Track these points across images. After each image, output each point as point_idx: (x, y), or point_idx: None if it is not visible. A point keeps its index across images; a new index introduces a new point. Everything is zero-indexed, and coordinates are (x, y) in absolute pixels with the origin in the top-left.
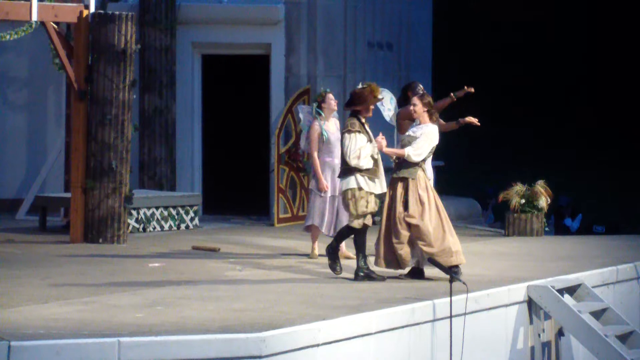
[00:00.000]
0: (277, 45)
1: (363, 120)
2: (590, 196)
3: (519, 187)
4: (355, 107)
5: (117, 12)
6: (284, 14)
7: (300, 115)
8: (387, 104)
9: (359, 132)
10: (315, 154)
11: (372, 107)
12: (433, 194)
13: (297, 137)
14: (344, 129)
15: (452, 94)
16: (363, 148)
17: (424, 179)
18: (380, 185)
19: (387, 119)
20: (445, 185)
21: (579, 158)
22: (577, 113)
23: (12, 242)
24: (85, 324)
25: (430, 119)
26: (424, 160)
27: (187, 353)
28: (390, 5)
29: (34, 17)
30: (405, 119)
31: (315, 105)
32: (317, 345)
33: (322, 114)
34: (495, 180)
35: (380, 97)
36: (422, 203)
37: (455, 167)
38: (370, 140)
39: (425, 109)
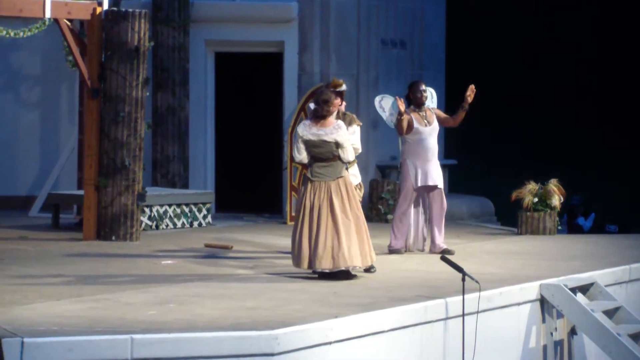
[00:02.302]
0: (290, 43)
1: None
2: (603, 195)
3: (531, 186)
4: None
5: (130, 10)
6: (297, 12)
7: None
8: (387, 106)
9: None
10: None
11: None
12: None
13: None
14: None
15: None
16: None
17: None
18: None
19: (391, 125)
20: (458, 184)
21: (591, 157)
22: (591, 112)
23: (25, 239)
24: (98, 321)
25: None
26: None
27: (200, 350)
28: (403, 3)
29: (48, 14)
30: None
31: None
32: (330, 343)
33: None
34: (513, 180)
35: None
36: None
37: (468, 165)
38: None
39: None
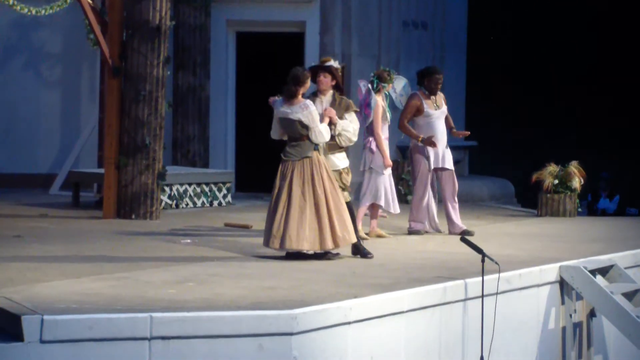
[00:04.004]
0: (312, 24)
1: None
2: (624, 178)
3: (552, 168)
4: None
5: None
6: None
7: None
8: (399, 88)
9: None
10: (380, 131)
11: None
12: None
13: None
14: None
15: (420, 139)
16: None
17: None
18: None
19: (399, 106)
20: (478, 165)
21: (612, 140)
22: (613, 94)
23: (45, 217)
24: (118, 300)
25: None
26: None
27: (219, 329)
28: None
29: None
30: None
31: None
32: (349, 323)
33: (381, 91)
34: (530, 160)
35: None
36: None
37: (489, 147)
38: None
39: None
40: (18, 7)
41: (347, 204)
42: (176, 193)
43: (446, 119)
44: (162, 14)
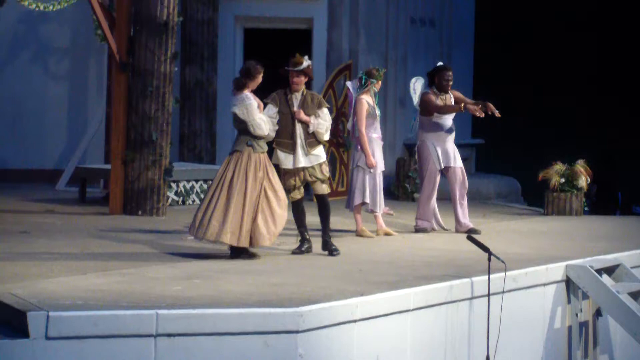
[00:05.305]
0: (320, 20)
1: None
2: (630, 176)
3: (558, 166)
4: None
5: None
6: None
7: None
8: (419, 89)
9: None
10: (364, 129)
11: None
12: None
13: (339, 113)
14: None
15: (462, 106)
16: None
17: None
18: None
19: (418, 108)
20: (485, 163)
21: (618, 137)
22: (618, 93)
23: (51, 212)
24: (124, 296)
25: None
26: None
27: (225, 326)
28: None
29: None
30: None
31: (364, 75)
32: (355, 321)
33: (369, 88)
34: (535, 157)
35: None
36: None
37: (496, 145)
38: None
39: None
40: (26, 3)
41: (322, 196)
42: (183, 190)
43: (456, 98)
44: (170, 10)
